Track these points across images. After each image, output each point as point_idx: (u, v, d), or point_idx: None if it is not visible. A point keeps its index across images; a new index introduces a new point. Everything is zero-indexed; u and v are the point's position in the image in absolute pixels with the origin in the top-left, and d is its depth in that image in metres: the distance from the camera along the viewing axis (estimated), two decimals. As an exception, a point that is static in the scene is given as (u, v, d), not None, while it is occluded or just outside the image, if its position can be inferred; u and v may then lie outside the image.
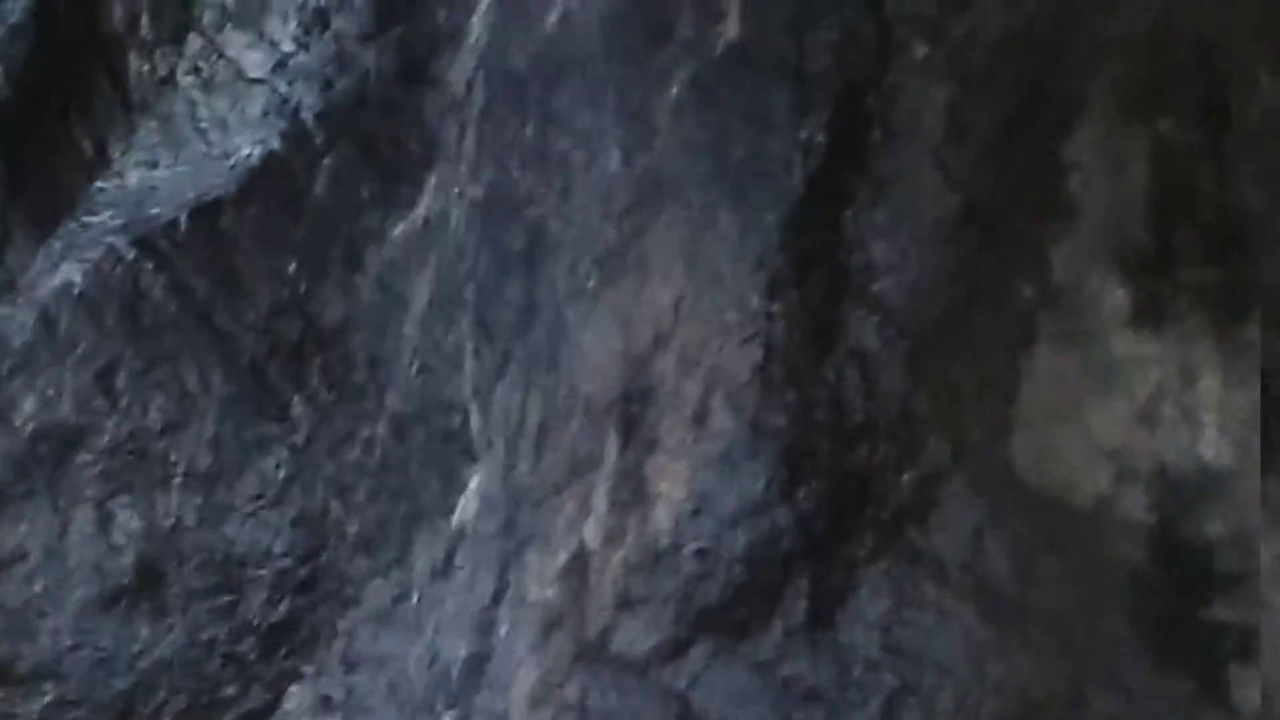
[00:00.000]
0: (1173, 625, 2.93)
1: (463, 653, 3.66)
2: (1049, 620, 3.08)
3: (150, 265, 4.20)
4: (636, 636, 3.45)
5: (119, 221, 4.33)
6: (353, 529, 3.89)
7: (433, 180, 4.03)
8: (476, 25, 3.97)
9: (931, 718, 3.11)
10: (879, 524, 3.33)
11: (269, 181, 4.27)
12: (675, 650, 3.43)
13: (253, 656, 3.97)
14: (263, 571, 3.93)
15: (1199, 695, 2.90)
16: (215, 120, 4.41)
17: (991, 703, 3.05)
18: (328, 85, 4.24)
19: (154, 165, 4.46)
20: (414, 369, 3.86)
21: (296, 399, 3.98)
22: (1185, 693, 2.91)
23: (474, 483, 3.72)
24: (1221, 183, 2.92)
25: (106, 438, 4.08)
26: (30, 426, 4.21)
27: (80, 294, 4.22)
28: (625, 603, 3.47)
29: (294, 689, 3.91)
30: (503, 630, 3.58)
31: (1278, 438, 2.83)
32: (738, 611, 3.36)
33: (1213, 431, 2.96)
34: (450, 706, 3.66)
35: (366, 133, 4.21)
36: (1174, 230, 2.98)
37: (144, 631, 4.00)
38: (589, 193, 3.67)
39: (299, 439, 3.90)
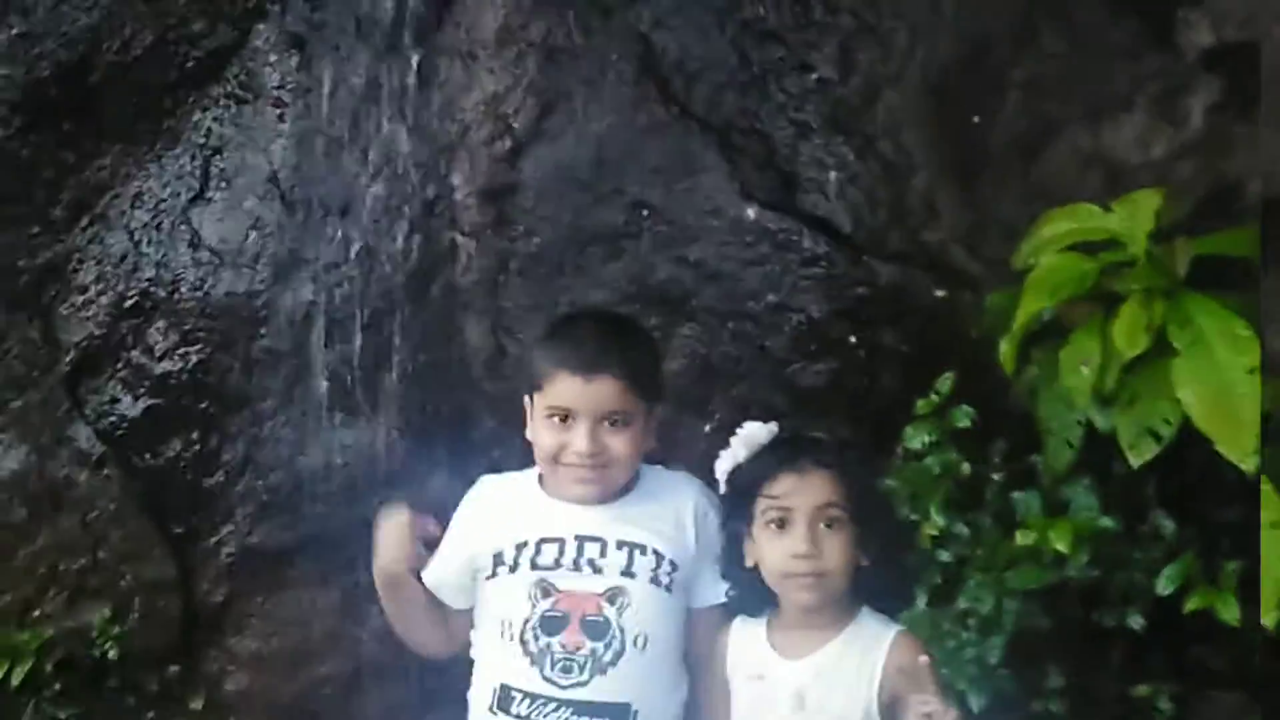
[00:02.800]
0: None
1: (431, -10, 3.62)
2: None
3: None
4: (603, -24, 3.42)
5: None
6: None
7: None
8: None
9: (888, 55, 3.16)
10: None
11: None
12: (640, -9, 3.41)
13: (218, -7, 3.89)
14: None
15: (1145, 36, 2.95)
16: None
17: (945, 39, 3.10)
18: None
19: None
20: None
21: None
22: (1132, 33, 2.96)
23: None
24: None
25: None
26: None
27: None
28: (593, -57, 3.41)
29: (261, 26, 3.86)
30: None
31: None
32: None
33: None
34: (417, 44, 3.65)
35: None
36: None
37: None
38: None
39: None
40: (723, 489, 2.44)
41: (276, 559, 3.70)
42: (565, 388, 2.44)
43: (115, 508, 3.83)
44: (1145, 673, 2.94)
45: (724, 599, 2.50)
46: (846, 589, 2.33)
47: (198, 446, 3.76)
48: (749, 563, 2.38)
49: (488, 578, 2.50)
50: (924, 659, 2.29)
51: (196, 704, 3.78)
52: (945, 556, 2.99)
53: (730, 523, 2.41)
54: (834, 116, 3.23)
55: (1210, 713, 2.97)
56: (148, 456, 3.80)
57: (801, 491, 2.30)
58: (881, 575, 2.36)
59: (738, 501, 2.38)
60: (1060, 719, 2.90)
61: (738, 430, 2.43)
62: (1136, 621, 2.86)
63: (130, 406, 3.81)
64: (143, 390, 3.80)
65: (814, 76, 3.24)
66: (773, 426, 2.42)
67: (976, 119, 3.11)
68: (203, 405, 3.74)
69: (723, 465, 2.43)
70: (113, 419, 3.83)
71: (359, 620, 3.60)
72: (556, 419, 2.46)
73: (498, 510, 2.57)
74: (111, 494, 3.84)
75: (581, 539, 2.47)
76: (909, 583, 2.94)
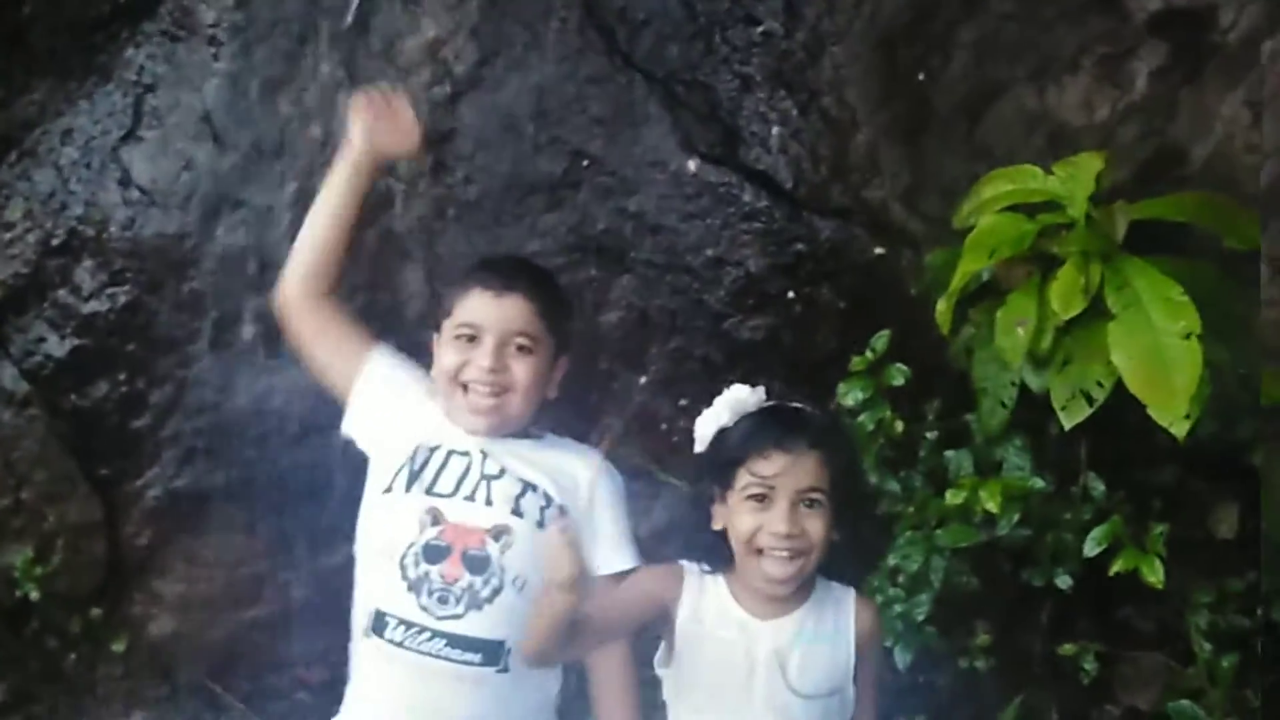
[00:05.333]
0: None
1: None
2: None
3: None
4: None
5: None
6: None
7: None
8: None
9: (834, 10, 3.09)
10: None
11: None
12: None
13: None
14: None
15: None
16: None
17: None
18: None
19: None
20: None
21: None
22: (1080, 0, 2.89)
23: None
24: None
25: None
26: None
27: None
28: None
29: (197, -38, 3.68)
30: None
31: None
32: None
33: None
34: None
35: None
36: None
37: None
38: None
39: None
40: (700, 448, 2.31)
41: (203, 502, 3.57)
42: (477, 304, 2.44)
43: (40, 448, 3.68)
44: (1071, 632, 2.90)
45: (624, 568, 2.43)
46: (818, 564, 2.25)
47: (125, 388, 3.61)
48: (717, 525, 2.27)
49: (384, 491, 2.46)
50: (879, 617, 2.33)
51: (119, 647, 3.66)
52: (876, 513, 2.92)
53: (702, 484, 2.30)
54: (778, 70, 3.14)
55: (1134, 673, 2.93)
56: (74, 397, 3.64)
57: (791, 472, 2.18)
58: (847, 550, 2.27)
59: (718, 466, 2.26)
60: (986, 676, 2.84)
61: (725, 391, 2.30)
62: (1064, 581, 2.82)
63: (56, 346, 3.65)
64: (69, 330, 3.63)
65: (759, 30, 3.15)
66: (760, 393, 2.30)
67: (922, 77, 3.02)
68: (130, 346, 3.58)
69: (705, 426, 2.30)
70: (38, 358, 3.66)
71: (286, 565, 3.51)
72: (464, 338, 2.45)
73: (434, 409, 2.51)
74: (36, 434, 3.68)
75: (485, 456, 2.44)
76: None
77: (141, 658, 3.68)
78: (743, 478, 2.20)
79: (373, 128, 2.57)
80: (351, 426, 2.59)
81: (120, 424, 3.59)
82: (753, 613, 2.25)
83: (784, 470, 2.18)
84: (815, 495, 2.19)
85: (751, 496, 2.20)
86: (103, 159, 3.67)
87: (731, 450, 2.23)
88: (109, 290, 3.60)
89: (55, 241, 3.65)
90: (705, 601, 2.28)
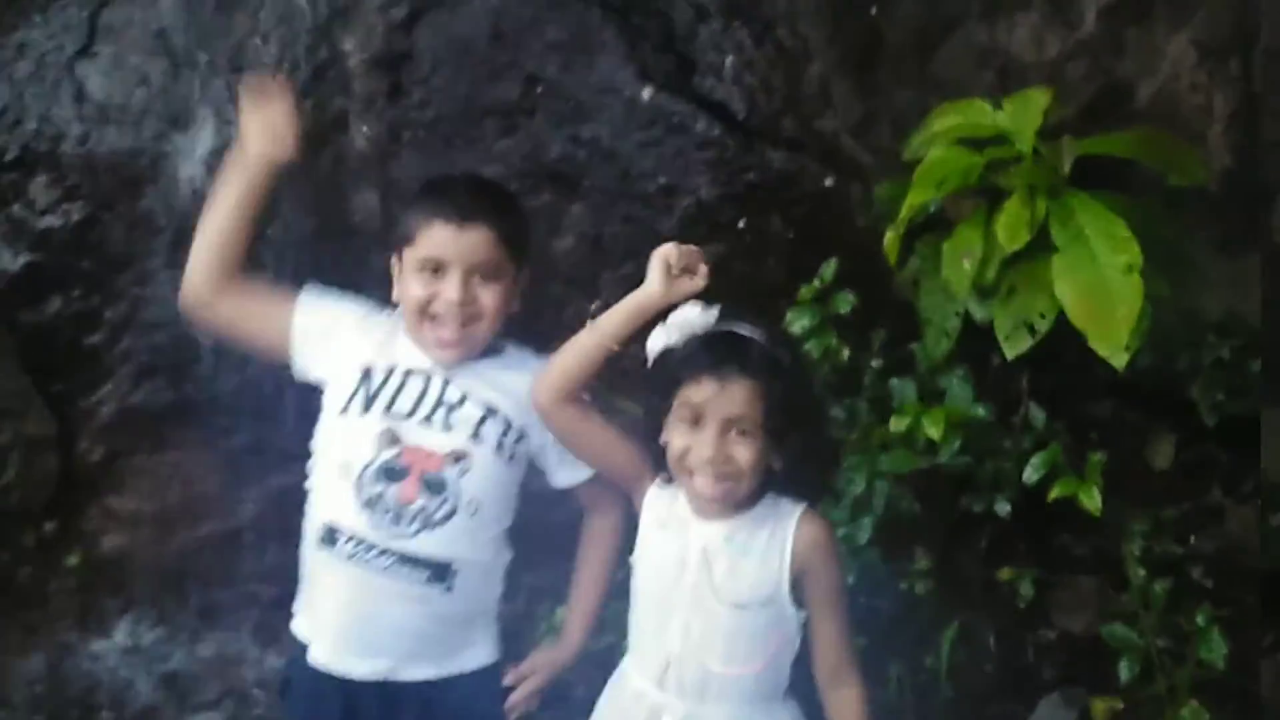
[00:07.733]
0: None
1: None
2: None
3: None
4: None
5: None
6: None
7: None
8: None
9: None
10: None
11: None
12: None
13: None
14: None
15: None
16: None
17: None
18: None
19: None
20: None
21: None
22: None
23: None
24: None
25: None
26: None
27: None
28: None
29: None
30: None
31: None
32: None
33: None
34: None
35: None
36: None
37: None
38: None
39: None
40: (649, 364, 2.29)
41: (158, 419, 3.51)
42: (439, 237, 2.37)
43: (-7, 363, 3.58)
44: (1009, 557, 2.91)
45: (583, 479, 2.44)
46: (754, 486, 2.24)
47: (79, 304, 3.53)
48: (662, 439, 2.26)
49: (340, 412, 2.42)
50: (827, 533, 2.27)
51: (73, 561, 3.60)
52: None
53: (651, 398, 2.28)
54: (733, 1, 3.08)
55: (1069, 597, 2.95)
56: (27, 313, 3.54)
57: (719, 400, 2.17)
58: (794, 478, 2.26)
59: (661, 384, 2.25)
60: (926, 599, 2.85)
61: (678, 308, 2.26)
62: (1003, 508, 2.82)
63: (10, 262, 3.56)
64: (23, 245, 3.53)
65: (715, -41, 3.07)
66: (712, 314, 2.26)
67: (874, 10, 2.98)
68: (85, 263, 3.50)
69: (653, 344, 2.28)
70: (-9, 274, 3.56)
71: (241, 482, 3.46)
72: (428, 271, 2.39)
73: (383, 330, 2.48)
74: (-11, 350, 3.59)
75: (446, 382, 2.41)
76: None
77: (94, 572, 3.63)
78: (679, 398, 2.19)
79: (257, 132, 2.48)
80: (303, 371, 2.54)
81: (74, 340, 3.52)
82: (696, 513, 2.26)
83: (713, 397, 2.16)
84: (745, 424, 2.17)
85: (684, 419, 2.19)
86: (57, 74, 3.56)
87: (671, 371, 2.22)
88: (63, 206, 3.51)
89: (9, 157, 3.54)
90: (662, 499, 2.31)
